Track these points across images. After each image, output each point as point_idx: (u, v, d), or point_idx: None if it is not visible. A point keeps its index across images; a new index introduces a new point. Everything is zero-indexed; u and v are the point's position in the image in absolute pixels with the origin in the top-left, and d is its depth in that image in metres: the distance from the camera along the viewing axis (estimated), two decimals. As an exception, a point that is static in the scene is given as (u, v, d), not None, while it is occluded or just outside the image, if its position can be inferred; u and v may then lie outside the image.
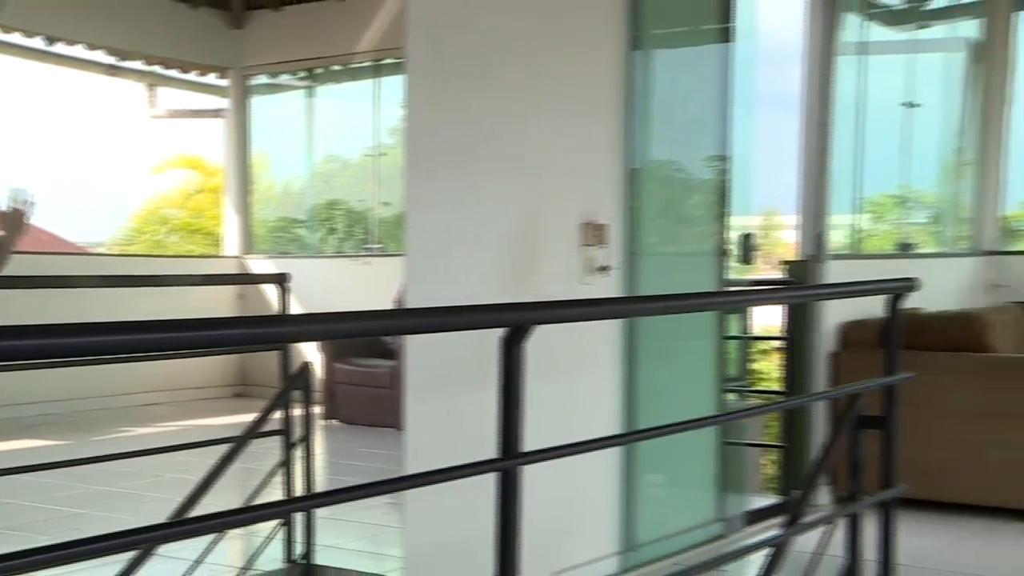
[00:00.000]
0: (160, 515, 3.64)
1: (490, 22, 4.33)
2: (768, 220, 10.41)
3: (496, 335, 2.29)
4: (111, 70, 10.53)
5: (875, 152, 7.09)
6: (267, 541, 4.39)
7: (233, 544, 4.85)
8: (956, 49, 8.12)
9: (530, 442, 2.46)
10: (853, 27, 6.79)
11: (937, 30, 8.04)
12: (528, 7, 4.50)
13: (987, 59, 8.09)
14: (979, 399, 6.15)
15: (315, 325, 2.34)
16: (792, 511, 3.80)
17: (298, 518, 4.38)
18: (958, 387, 6.15)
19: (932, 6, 8.00)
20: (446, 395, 4.04)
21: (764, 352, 8.41)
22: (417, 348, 4.00)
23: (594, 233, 4.74)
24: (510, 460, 2.34)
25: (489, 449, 2.31)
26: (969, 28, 8.12)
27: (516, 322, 2.32)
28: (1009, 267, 8.15)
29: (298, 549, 4.43)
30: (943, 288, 7.41)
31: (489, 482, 2.32)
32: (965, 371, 6.22)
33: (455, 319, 2.44)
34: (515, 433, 2.34)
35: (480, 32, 4.30)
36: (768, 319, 7.50)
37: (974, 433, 6.11)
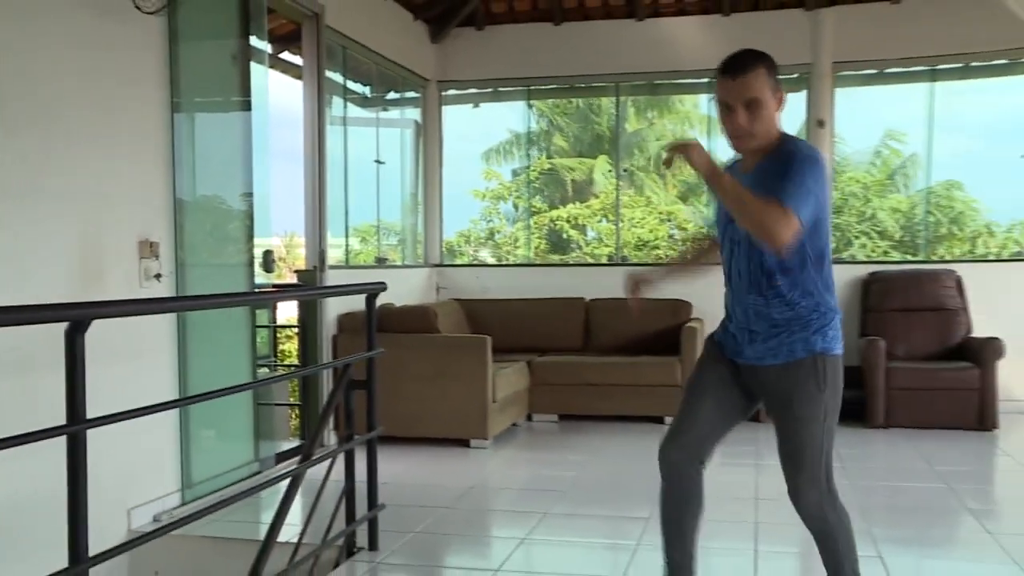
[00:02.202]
0: None
1: (55, 84, 4.03)
2: (291, 240, 10.31)
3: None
4: None
5: (358, 193, 7.21)
6: None
7: None
8: (407, 126, 8.48)
9: (103, 411, 2.42)
10: (338, 106, 6.91)
11: (394, 112, 8.35)
12: (89, 73, 4.23)
13: (426, 134, 8.52)
14: (430, 366, 6.34)
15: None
16: (306, 451, 3.83)
17: None
18: (417, 357, 6.31)
19: (390, 97, 8.27)
20: (26, 375, 3.68)
21: (289, 337, 8.35)
22: (-4, 339, 3.71)
23: (150, 248, 4.56)
24: (76, 425, 2.29)
25: (63, 418, 2.26)
26: (414, 113, 8.49)
27: (76, 317, 2.28)
28: (449, 275, 8.58)
29: None
30: (407, 290, 7.72)
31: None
32: (421, 347, 6.39)
33: (22, 315, 2.34)
34: (79, 404, 2.29)
35: (46, 92, 3.98)
36: (289, 312, 7.48)
37: (428, 389, 6.29)
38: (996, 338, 6.85)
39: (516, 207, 14.25)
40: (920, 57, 7.76)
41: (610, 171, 13.73)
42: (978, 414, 6.76)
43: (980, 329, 7.32)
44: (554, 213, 13.94)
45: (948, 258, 10.37)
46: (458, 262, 9.86)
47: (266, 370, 6.57)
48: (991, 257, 11.10)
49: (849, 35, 7.75)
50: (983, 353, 6.82)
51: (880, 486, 5.39)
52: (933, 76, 7.89)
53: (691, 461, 2.94)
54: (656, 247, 13.30)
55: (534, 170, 13.72)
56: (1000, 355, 6.78)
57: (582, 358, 7.37)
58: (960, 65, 7.83)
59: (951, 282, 7.52)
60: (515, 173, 14.50)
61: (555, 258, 13.68)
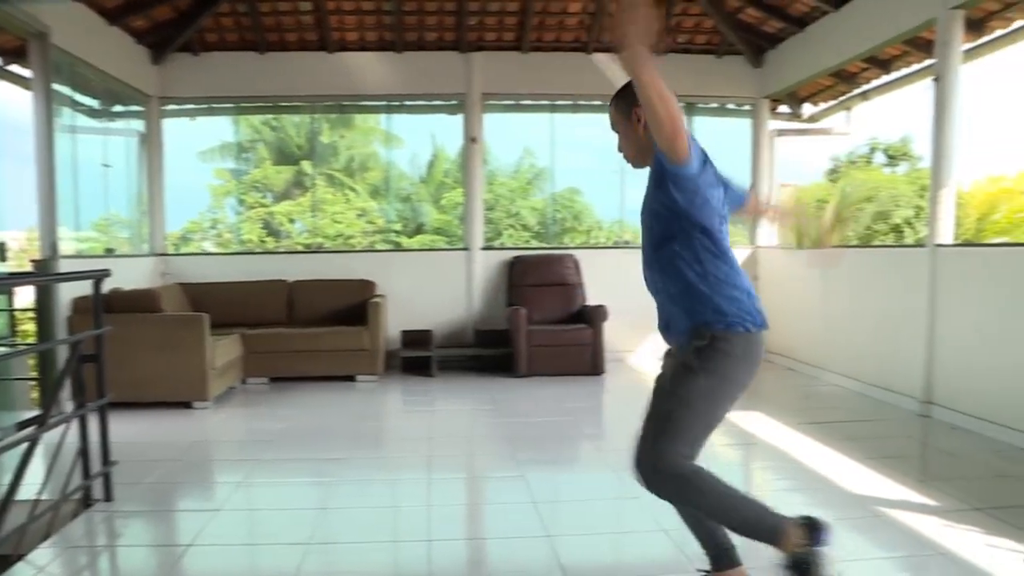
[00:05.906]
0: None
1: None
2: (32, 233, 9.26)
3: None
4: None
5: (88, 193, 6.67)
6: None
7: None
8: (132, 135, 7.96)
9: None
10: (68, 116, 6.37)
11: (120, 123, 7.79)
12: None
13: (149, 143, 8.05)
14: (156, 340, 6.07)
15: None
16: (43, 418, 3.64)
17: None
18: (145, 333, 6.04)
19: (116, 110, 7.72)
20: None
21: (31, 319, 7.57)
22: None
23: None
24: None
25: None
26: (139, 124, 7.99)
27: None
28: (173, 263, 8.19)
29: None
30: (136, 276, 7.34)
31: None
32: (148, 324, 6.10)
33: None
34: None
35: None
36: (28, 297, 6.80)
37: (155, 360, 6.02)
38: (603, 305, 7.57)
39: (240, 202, 13.91)
40: (542, 93, 8.53)
41: (308, 175, 13.69)
42: (592, 363, 7.43)
43: (592, 299, 8.08)
44: (273, 208, 13.78)
45: (571, 245, 11.39)
46: (186, 250, 9.41)
47: (4, 348, 5.97)
48: (600, 245, 12.29)
49: (492, 73, 8.35)
50: (594, 317, 7.48)
51: (524, 421, 5.70)
52: (553, 108, 8.68)
53: None
54: (351, 236, 13.41)
55: (252, 175, 13.53)
56: (605, 318, 7.49)
57: (287, 330, 7.33)
58: (571, 103, 8.64)
59: (572, 264, 8.24)
60: (235, 175, 14.17)
61: (271, 243, 13.46)
